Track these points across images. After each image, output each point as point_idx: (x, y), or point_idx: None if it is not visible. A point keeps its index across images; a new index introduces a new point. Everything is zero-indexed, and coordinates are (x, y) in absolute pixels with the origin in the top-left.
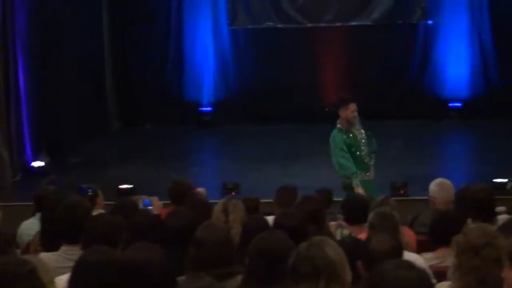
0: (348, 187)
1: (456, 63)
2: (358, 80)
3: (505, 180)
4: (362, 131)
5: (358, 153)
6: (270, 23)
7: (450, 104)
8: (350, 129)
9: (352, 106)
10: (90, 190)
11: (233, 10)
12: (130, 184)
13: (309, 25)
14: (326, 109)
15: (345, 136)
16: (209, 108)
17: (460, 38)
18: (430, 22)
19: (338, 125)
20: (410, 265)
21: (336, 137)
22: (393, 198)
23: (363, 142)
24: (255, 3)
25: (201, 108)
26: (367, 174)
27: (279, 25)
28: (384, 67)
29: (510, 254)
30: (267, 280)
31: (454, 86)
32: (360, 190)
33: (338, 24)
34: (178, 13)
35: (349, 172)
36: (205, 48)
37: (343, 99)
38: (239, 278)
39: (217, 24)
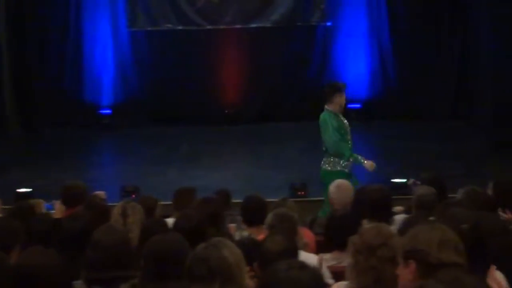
0: (329, 175)
1: (355, 64)
2: (258, 81)
3: (404, 180)
4: (345, 121)
5: (345, 137)
6: (170, 25)
7: (350, 105)
8: (339, 114)
9: (344, 94)
10: None
11: (132, 12)
12: (28, 188)
13: (208, 27)
14: (226, 111)
15: (334, 120)
16: (108, 111)
17: (359, 40)
18: (329, 23)
19: (328, 109)
20: (303, 266)
21: (329, 118)
22: (293, 199)
23: (349, 130)
24: (154, 5)
25: (100, 111)
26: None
27: (179, 27)
28: (284, 68)
29: (404, 253)
30: (160, 281)
31: (354, 87)
32: (369, 164)
33: (237, 26)
34: (76, 15)
35: (346, 153)
36: (105, 50)
37: (341, 86)
38: (134, 281)
39: (116, 26)
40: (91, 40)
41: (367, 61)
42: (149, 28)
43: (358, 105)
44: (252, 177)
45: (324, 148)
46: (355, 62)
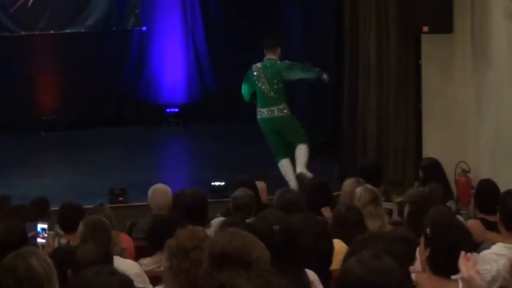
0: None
1: (171, 68)
2: (74, 87)
3: (222, 183)
4: None
5: None
6: None
7: (167, 110)
8: None
9: None
10: None
11: None
12: None
13: (22, 33)
14: (44, 118)
15: None
16: None
17: (174, 44)
18: (144, 28)
19: (273, 58)
20: (112, 271)
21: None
22: (112, 205)
23: None
24: None
25: None
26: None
27: None
28: (100, 74)
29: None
30: None
31: (171, 91)
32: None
33: (52, 31)
34: None
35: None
36: None
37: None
38: None
39: None
40: None
41: (183, 65)
42: None
43: (176, 110)
44: (71, 184)
45: (275, 95)
46: (172, 66)
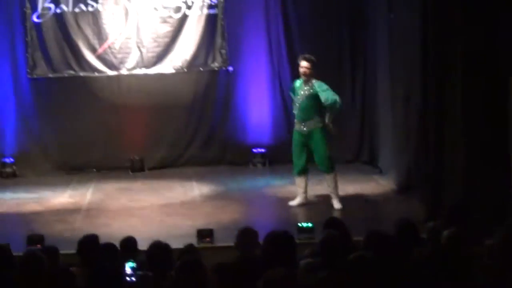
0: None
1: (258, 109)
2: (161, 127)
3: (310, 225)
4: (311, 90)
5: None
6: (71, 72)
7: (254, 150)
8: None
9: (301, 63)
10: None
11: (33, 59)
12: None
13: (109, 73)
14: (131, 157)
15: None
16: (11, 160)
17: (261, 84)
18: (230, 68)
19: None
20: None
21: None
22: (198, 246)
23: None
24: (55, 52)
25: (3, 159)
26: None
27: (80, 74)
28: (186, 113)
29: None
30: None
31: (257, 131)
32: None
33: (139, 72)
34: None
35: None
36: (5, 98)
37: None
38: None
39: (16, 73)
40: None
41: (270, 106)
42: (50, 75)
43: (262, 150)
44: (158, 224)
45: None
46: (258, 106)
